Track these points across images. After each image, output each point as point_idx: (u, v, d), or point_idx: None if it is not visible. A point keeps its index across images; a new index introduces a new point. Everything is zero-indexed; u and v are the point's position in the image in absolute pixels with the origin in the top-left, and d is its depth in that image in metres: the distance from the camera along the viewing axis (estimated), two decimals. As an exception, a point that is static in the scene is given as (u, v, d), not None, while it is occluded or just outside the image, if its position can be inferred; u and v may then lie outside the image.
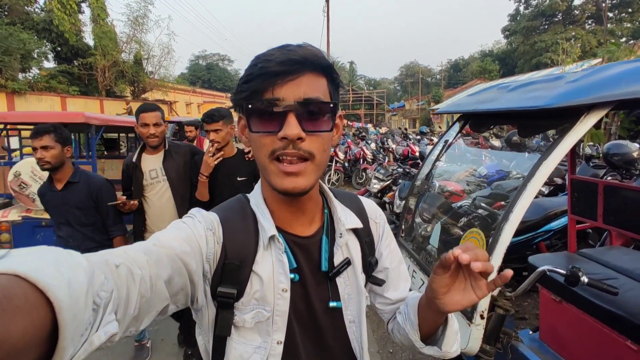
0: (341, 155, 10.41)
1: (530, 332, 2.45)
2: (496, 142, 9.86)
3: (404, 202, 4.33)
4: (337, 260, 0.78)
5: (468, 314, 1.37)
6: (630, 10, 33.86)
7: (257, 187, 0.81)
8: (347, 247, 0.81)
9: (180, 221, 0.73)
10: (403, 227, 2.27)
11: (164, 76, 24.10)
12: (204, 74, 52.40)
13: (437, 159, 2.23)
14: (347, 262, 0.79)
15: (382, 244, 0.90)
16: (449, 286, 0.65)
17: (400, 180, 5.40)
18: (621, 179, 4.16)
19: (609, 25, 31.70)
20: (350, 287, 0.80)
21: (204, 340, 0.76)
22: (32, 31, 16.97)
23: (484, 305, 1.31)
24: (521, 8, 41.15)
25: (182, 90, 31.64)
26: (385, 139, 13.24)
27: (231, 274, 0.71)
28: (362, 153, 10.54)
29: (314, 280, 0.77)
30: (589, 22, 36.41)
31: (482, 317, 1.33)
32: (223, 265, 0.71)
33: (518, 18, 40.94)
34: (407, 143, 10.95)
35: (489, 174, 5.73)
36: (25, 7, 18.45)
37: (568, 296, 2.05)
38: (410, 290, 0.93)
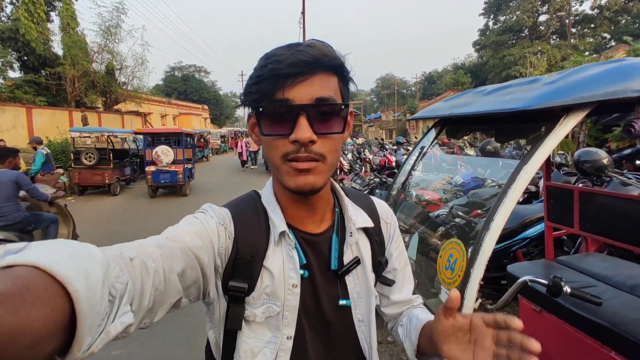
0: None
1: (511, 344, 2.39)
2: (471, 152, 10.03)
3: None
4: (347, 258, 0.79)
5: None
6: (592, 25, 35.76)
7: (269, 183, 0.82)
8: (357, 246, 0.81)
9: (192, 216, 0.73)
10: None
11: (137, 87, 23.58)
12: (180, 85, 51.66)
13: (414, 167, 2.15)
14: (357, 261, 0.79)
15: (393, 244, 0.90)
16: (451, 337, 0.64)
17: (377, 190, 5.35)
18: (592, 185, 4.23)
19: (572, 40, 33.30)
20: (360, 286, 0.80)
21: (214, 334, 0.77)
22: (-5, 40, 16.29)
23: (466, 321, 1.22)
24: (490, 23, 42.82)
25: (157, 102, 31.02)
26: (362, 149, 13.30)
27: (242, 268, 0.72)
28: (338, 164, 10.50)
29: (323, 278, 0.77)
30: (554, 37, 38.22)
31: (464, 334, 1.24)
32: (234, 260, 0.72)
33: (487, 33, 42.53)
34: (383, 153, 11.00)
35: (465, 182, 5.76)
36: (-11, 16, 17.76)
37: (549, 306, 2.00)
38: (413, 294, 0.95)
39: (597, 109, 1.23)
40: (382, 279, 0.86)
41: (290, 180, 0.68)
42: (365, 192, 5.62)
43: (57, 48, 19.70)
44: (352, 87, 0.74)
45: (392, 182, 2.38)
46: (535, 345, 0.58)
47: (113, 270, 0.45)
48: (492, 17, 42.56)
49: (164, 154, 10.68)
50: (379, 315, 0.88)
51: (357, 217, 0.81)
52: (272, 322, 0.73)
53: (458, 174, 6.21)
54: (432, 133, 2.10)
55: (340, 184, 9.14)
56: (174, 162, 10.81)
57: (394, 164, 8.95)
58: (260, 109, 0.67)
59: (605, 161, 3.61)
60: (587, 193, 2.27)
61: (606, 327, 1.66)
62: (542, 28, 38.15)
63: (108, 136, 11.79)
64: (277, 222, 0.75)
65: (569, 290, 1.42)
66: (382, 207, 0.92)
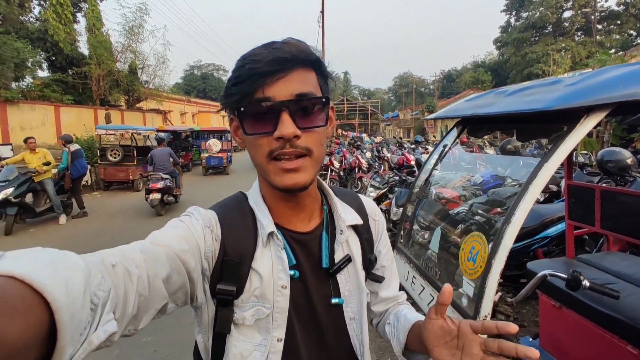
0: (336, 164, 10.42)
1: (530, 339, 2.43)
2: (490, 151, 9.93)
3: (400, 209, 4.33)
4: (338, 257, 0.78)
5: (471, 318, 1.34)
6: (619, 22, 34.63)
7: (255, 184, 0.81)
8: (348, 244, 0.80)
9: (178, 219, 0.72)
10: (402, 233, 2.25)
11: (158, 85, 24.10)
12: (199, 84, 52.47)
13: (436, 165, 2.22)
14: (348, 259, 0.79)
15: (381, 242, 0.91)
16: (440, 340, 0.65)
17: (396, 188, 5.40)
18: (615, 185, 4.19)
19: (598, 37, 32.32)
20: (351, 283, 0.80)
21: (203, 338, 0.76)
22: (26, 40, 16.91)
23: (487, 309, 1.29)
24: (512, 20, 41.92)
25: (176, 100, 31.62)
26: (380, 147, 13.29)
27: (230, 271, 0.71)
28: (357, 162, 10.54)
29: (314, 277, 0.77)
30: (579, 34, 37.13)
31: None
32: (222, 263, 0.71)
33: (509, 30, 41.68)
34: (402, 152, 10.98)
35: (484, 181, 5.75)
36: (20, 17, 18.43)
37: (568, 302, 2.04)
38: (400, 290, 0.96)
39: (617, 109, 1.28)
40: (372, 276, 0.87)
41: (278, 179, 0.68)
42: (384, 190, 5.67)
43: (83, 48, 20.33)
44: (331, 84, 0.74)
45: (415, 180, 2.45)
46: (534, 353, 0.56)
47: (95, 277, 0.44)
48: (514, 13, 41.68)
49: (214, 144, 15.19)
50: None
51: (346, 215, 0.81)
52: (262, 325, 0.72)
53: (477, 173, 6.19)
54: (454, 132, 2.16)
55: (359, 182, 9.19)
56: (220, 151, 15.23)
57: (412, 162, 8.95)
58: (242, 109, 0.66)
59: (629, 161, 3.59)
60: (608, 192, 2.29)
61: (624, 322, 1.70)
62: (567, 24, 37.12)
63: (132, 134, 12.17)
64: (265, 222, 0.74)
65: (587, 284, 1.47)
66: (369, 204, 0.92)
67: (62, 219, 7.65)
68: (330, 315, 0.78)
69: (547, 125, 1.55)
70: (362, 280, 0.81)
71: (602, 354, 1.84)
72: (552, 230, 3.60)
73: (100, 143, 11.95)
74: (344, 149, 12.35)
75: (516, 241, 3.55)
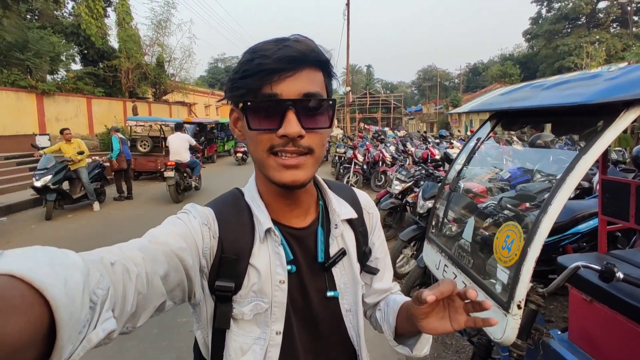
0: (360, 158, 10.44)
1: (559, 333, 2.44)
2: (518, 146, 9.73)
3: (427, 202, 4.35)
4: (333, 250, 0.80)
5: (504, 304, 1.39)
6: (657, 13, 32.94)
7: (251, 180, 0.82)
8: (343, 238, 0.82)
9: (175, 217, 0.73)
10: (433, 223, 2.30)
11: (184, 78, 24.61)
12: (223, 77, 52.80)
13: (471, 158, 2.25)
14: (343, 253, 0.80)
15: (375, 234, 0.92)
16: (428, 313, 0.67)
17: (422, 182, 5.41)
18: (651, 182, 4.07)
19: (634, 29, 30.82)
20: (347, 276, 0.82)
21: (202, 334, 0.77)
22: (61, 35, 17.61)
23: (521, 295, 1.34)
24: (543, 11, 40.51)
25: (201, 93, 32.20)
26: (405, 141, 13.21)
27: (228, 267, 0.72)
28: (381, 156, 10.53)
29: (310, 271, 0.78)
30: (614, 25, 35.54)
31: (519, 307, 1.35)
32: (220, 259, 0.72)
33: (540, 21, 40.31)
34: (426, 146, 10.89)
35: (512, 176, 5.68)
36: (55, 12, 19.16)
37: (599, 295, 2.05)
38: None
39: (658, 103, 1.30)
40: (367, 268, 0.88)
41: (277, 175, 0.68)
42: (410, 183, 5.69)
43: (114, 42, 20.98)
44: (334, 84, 0.74)
45: (447, 173, 2.49)
46: (487, 304, 0.62)
47: (93, 276, 0.44)
48: (545, 4, 40.22)
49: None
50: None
51: (341, 209, 0.82)
52: (261, 319, 0.73)
53: (505, 168, 6.11)
54: (487, 125, 2.18)
55: (383, 176, 9.19)
56: None
57: (437, 156, 8.89)
58: (248, 104, 0.66)
59: (666, 157, 3.49)
60: (645, 187, 2.27)
61: (659, 316, 1.71)
62: (601, 16, 35.58)
63: (160, 125, 12.52)
64: (262, 218, 0.75)
65: (621, 276, 1.49)
66: (364, 198, 0.93)
67: (96, 205, 8.04)
68: (327, 308, 0.79)
69: (584, 119, 1.57)
70: (357, 272, 0.83)
71: (634, 348, 1.85)
72: (583, 227, 3.56)
73: (130, 134, 12.36)
74: (368, 143, 12.33)
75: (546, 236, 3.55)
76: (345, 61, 23.23)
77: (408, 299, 0.85)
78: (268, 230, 0.74)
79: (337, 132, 20.65)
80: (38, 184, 6.90)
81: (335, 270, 0.80)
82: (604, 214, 2.53)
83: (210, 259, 0.72)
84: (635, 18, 32.76)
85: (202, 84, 36.76)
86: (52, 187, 7.06)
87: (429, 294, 0.61)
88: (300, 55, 0.64)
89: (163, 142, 12.07)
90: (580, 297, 2.20)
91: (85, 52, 19.66)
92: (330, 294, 0.79)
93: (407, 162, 9.17)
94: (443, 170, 5.89)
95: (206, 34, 34.36)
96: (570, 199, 4.66)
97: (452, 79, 71.29)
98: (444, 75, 70.54)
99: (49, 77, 16.57)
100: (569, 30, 37.31)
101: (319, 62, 0.68)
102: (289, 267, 0.75)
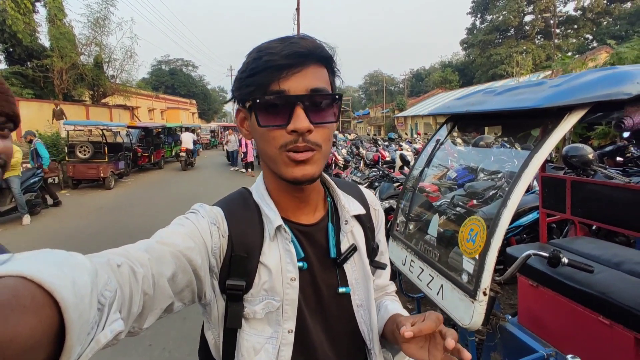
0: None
1: (510, 317, 2.67)
2: (461, 147, 10.37)
3: (384, 202, 4.52)
4: (344, 246, 0.81)
5: (471, 292, 1.51)
6: (575, 26, 36.71)
7: (259, 179, 0.83)
8: (353, 234, 0.83)
9: (184, 217, 0.73)
10: (397, 222, 2.41)
11: (125, 80, 23.29)
12: (168, 79, 51.05)
13: (431, 159, 2.40)
14: (354, 248, 0.81)
15: (381, 231, 0.94)
16: (410, 340, 0.67)
17: (376, 183, 5.60)
18: (579, 178, 4.55)
19: (556, 40, 34.16)
20: (358, 272, 0.82)
21: (213, 335, 0.76)
22: (-19, 30, 15.96)
23: (486, 282, 1.46)
24: (477, 22, 43.50)
25: (144, 96, 30.67)
26: (356, 144, 13.54)
27: (239, 266, 0.72)
28: (333, 159, 10.73)
29: (321, 268, 0.78)
30: (539, 37, 39.08)
31: (484, 293, 1.48)
32: (230, 258, 0.72)
33: (475, 32, 43.25)
34: (376, 149, 11.26)
35: (458, 176, 6.06)
36: (-26, 6, 17.34)
37: (545, 281, 2.27)
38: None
39: (594, 108, 1.49)
40: (375, 264, 0.89)
41: (288, 171, 0.69)
42: (365, 184, 5.86)
43: (44, 39, 19.38)
44: (337, 81, 0.76)
45: (409, 174, 2.62)
46: (466, 355, 0.62)
47: (101, 277, 0.45)
48: (479, 16, 43.29)
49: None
50: None
51: (349, 206, 0.84)
52: (273, 318, 0.73)
53: (451, 169, 6.50)
54: (444, 128, 2.34)
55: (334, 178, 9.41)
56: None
57: (387, 158, 9.23)
58: (258, 101, 0.67)
59: (590, 156, 3.92)
60: (578, 182, 2.56)
61: (596, 296, 1.94)
62: (528, 28, 38.99)
63: (102, 130, 11.79)
64: (272, 216, 0.75)
65: (566, 260, 1.68)
66: (369, 195, 0.95)
67: (26, 219, 7.29)
68: (339, 304, 0.79)
69: (533, 121, 1.75)
70: (367, 268, 0.83)
71: (576, 326, 2.08)
72: (524, 220, 3.90)
73: (68, 139, 11.49)
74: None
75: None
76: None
77: (399, 307, 0.90)
78: (278, 228, 0.74)
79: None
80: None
81: (347, 266, 0.81)
82: (545, 207, 2.80)
83: (220, 258, 0.72)
84: (557, 30, 36.27)
85: (146, 86, 34.95)
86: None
87: (406, 330, 0.63)
88: (307, 51, 0.66)
89: (105, 148, 11.36)
90: (528, 283, 2.42)
91: (11, 50, 17.95)
92: (341, 290, 0.79)
93: (361, 165, 9.43)
94: (397, 172, 6.13)
95: (149, 34, 32.85)
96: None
97: (397, 84, 74.17)
98: (390, 80, 73.22)
99: (-33, 77, 14.92)
100: (500, 40, 40.44)
101: (324, 58, 0.70)
102: (300, 264, 0.75)
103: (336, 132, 22.45)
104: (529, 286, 2.41)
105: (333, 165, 10.53)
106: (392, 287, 1.00)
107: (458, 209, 3.71)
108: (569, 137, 7.74)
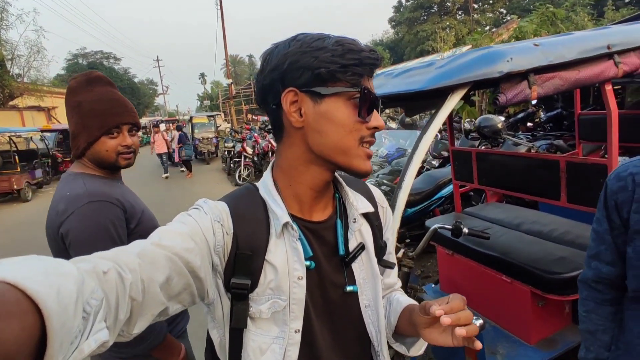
0: (249, 150, 10.35)
1: (433, 286, 2.84)
2: (393, 124, 10.74)
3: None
4: (352, 245, 0.79)
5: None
6: (491, 1, 39.02)
7: (267, 174, 0.80)
8: (361, 232, 0.81)
9: (186, 213, 0.71)
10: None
11: (35, 79, 21.03)
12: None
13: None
14: (362, 247, 0.80)
15: (389, 229, 0.93)
16: (431, 323, 0.67)
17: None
18: (491, 146, 4.92)
19: (474, 15, 36.17)
20: (365, 271, 0.81)
21: (219, 334, 0.74)
22: None
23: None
24: (403, 0, 44.65)
25: (61, 94, 27.92)
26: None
27: (244, 264, 0.70)
28: (270, 146, 10.61)
29: (329, 266, 0.77)
30: (460, 13, 41.07)
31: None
32: (235, 256, 0.70)
33: (401, 9, 44.35)
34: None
35: (389, 153, 6.28)
36: None
37: (457, 248, 2.44)
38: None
39: (474, 86, 1.58)
40: (383, 263, 0.88)
41: (363, 163, 0.71)
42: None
43: None
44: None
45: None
46: (477, 345, 0.62)
47: (88, 286, 0.44)
48: (404, -7, 44.40)
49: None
50: None
51: (358, 203, 0.82)
52: (279, 317, 0.71)
53: (383, 146, 6.72)
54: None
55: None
56: None
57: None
58: (364, 91, 0.68)
59: (499, 125, 4.24)
60: (481, 153, 2.74)
61: (498, 257, 2.11)
62: (449, 4, 40.74)
63: (9, 137, 10.60)
64: (280, 212, 0.72)
65: (466, 231, 1.80)
66: (377, 193, 0.94)
67: None
68: (346, 304, 0.78)
69: (426, 102, 1.82)
70: (376, 267, 0.82)
71: (486, 286, 2.26)
72: (445, 192, 4.14)
73: (-31, 150, 10.21)
74: (255, 134, 12.27)
75: (417, 204, 4.05)
76: (224, 52, 22.50)
77: (411, 300, 0.89)
78: (285, 225, 0.72)
79: (224, 126, 19.97)
80: None
81: (355, 265, 0.79)
82: (457, 179, 2.99)
83: (225, 256, 0.70)
84: (475, 6, 38.38)
85: (61, 84, 31.81)
86: None
87: (437, 308, 0.60)
88: (380, 57, 0.71)
89: (16, 157, 10.25)
90: (444, 252, 2.58)
91: None
92: (349, 289, 0.78)
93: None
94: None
95: (58, 26, 29.74)
96: (435, 168, 5.34)
97: (332, 66, 74.38)
98: (325, 62, 73.20)
99: None
100: (425, 17, 41.90)
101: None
102: (307, 262, 0.73)
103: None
104: (446, 255, 2.58)
105: (270, 153, 10.44)
106: (399, 283, 1.00)
107: (383, 187, 3.85)
108: (485, 108, 8.29)
